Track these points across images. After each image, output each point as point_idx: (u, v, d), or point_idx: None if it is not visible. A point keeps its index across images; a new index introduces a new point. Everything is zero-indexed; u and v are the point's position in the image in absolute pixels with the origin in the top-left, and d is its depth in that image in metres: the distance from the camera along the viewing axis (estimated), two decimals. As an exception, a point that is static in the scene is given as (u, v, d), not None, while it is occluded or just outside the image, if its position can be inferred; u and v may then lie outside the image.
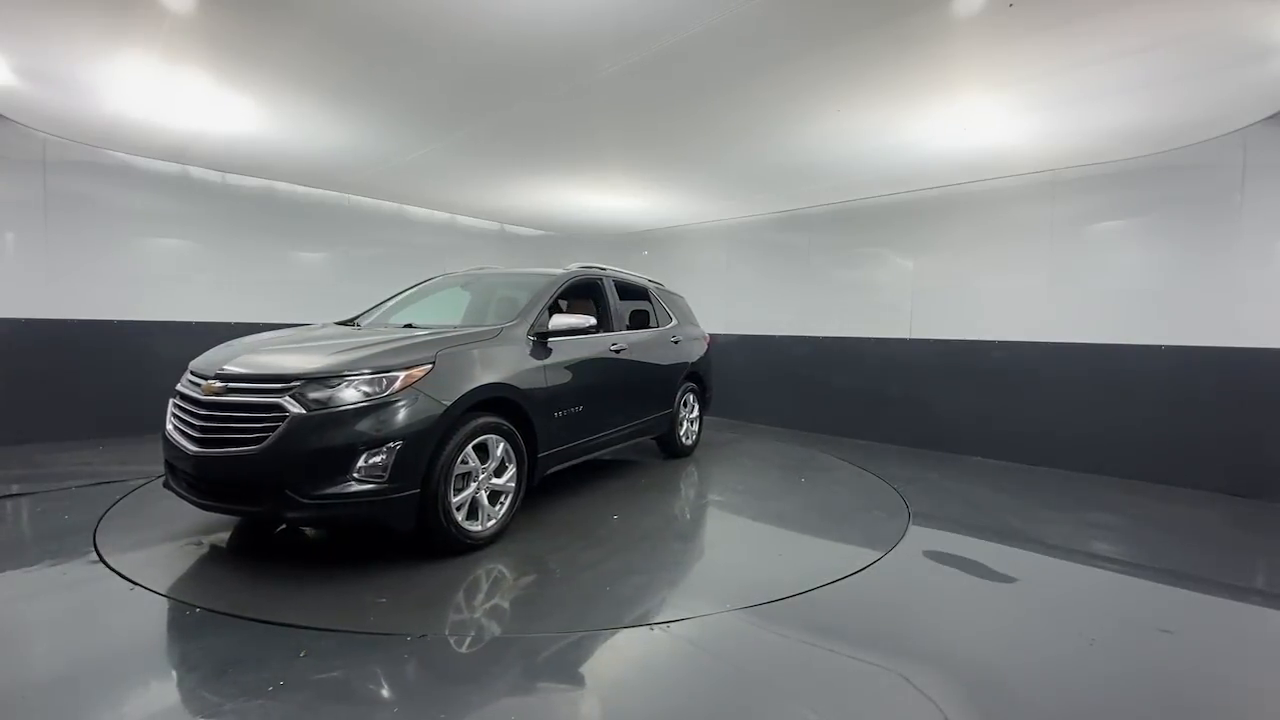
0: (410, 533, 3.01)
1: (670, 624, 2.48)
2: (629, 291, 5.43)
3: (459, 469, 3.10)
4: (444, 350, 3.18)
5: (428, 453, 2.94)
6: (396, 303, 4.67)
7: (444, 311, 4.49)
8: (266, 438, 2.77)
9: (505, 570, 3.04)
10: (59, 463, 4.88)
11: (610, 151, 5.57)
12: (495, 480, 3.33)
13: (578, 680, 2.12)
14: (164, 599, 2.62)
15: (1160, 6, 2.98)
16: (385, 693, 1.99)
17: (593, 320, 4.10)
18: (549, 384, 3.74)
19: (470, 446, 3.15)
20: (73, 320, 5.73)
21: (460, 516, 3.11)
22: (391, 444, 2.82)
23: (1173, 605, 2.89)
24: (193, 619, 2.44)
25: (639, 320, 5.42)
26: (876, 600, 2.81)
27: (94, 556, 3.04)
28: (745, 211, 8.03)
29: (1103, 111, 4.24)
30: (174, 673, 2.09)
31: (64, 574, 2.86)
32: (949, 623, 2.62)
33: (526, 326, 3.77)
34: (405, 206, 8.03)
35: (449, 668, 2.16)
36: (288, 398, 2.82)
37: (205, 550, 3.19)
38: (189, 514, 3.74)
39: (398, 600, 2.65)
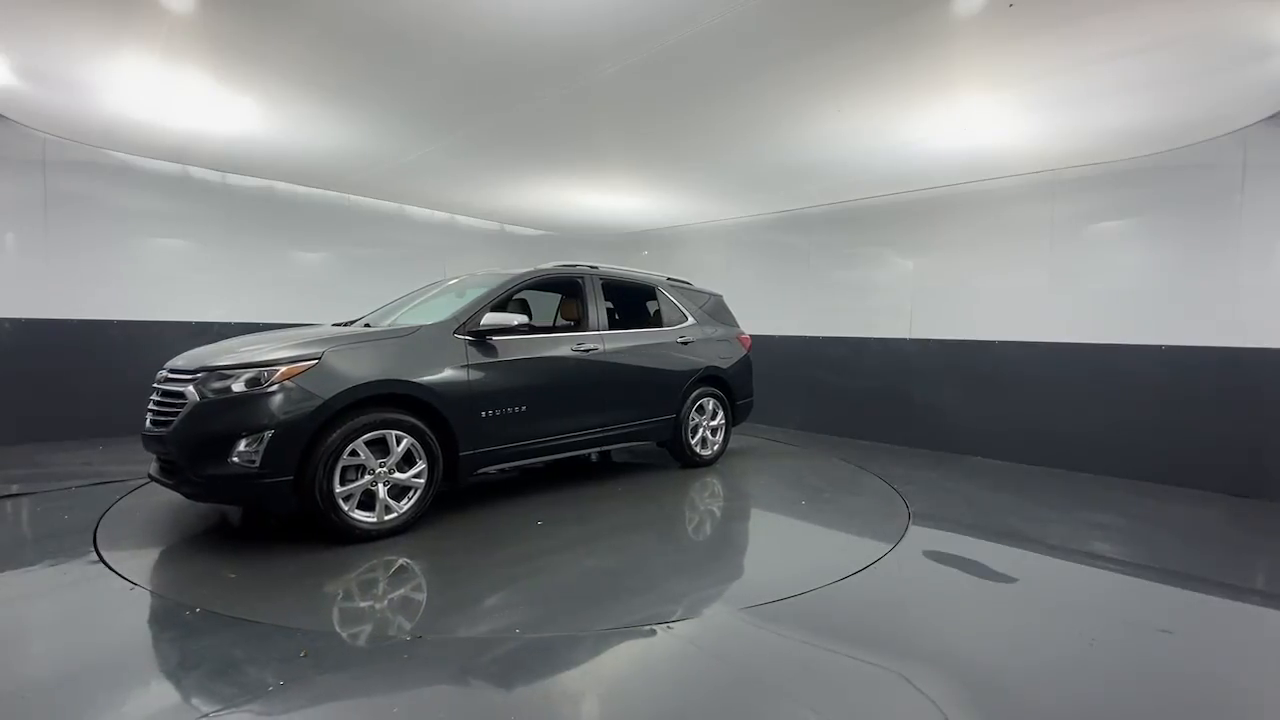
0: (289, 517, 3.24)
1: (670, 624, 2.48)
2: (629, 290, 5.34)
3: (348, 461, 3.22)
4: (334, 348, 3.32)
5: (302, 443, 3.09)
6: (397, 303, 4.68)
7: (445, 312, 4.50)
8: (172, 421, 3.14)
9: (372, 564, 3.05)
10: (59, 463, 4.89)
11: (610, 151, 5.57)
12: (398, 475, 3.39)
13: (576, 680, 2.12)
14: (164, 599, 2.63)
15: (1160, 6, 2.99)
16: (385, 692, 1.99)
17: (523, 319, 3.96)
18: (473, 382, 3.71)
19: (362, 440, 3.25)
20: (73, 320, 5.73)
21: (348, 507, 3.23)
22: (265, 432, 3.02)
23: (1173, 605, 2.88)
24: (192, 619, 2.44)
25: (648, 320, 5.30)
26: (876, 600, 2.80)
27: (94, 556, 3.04)
28: (745, 211, 8.03)
29: (1103, 111, 4.24)
30: (174, 673, 2.09)
31: (64, 574, 2.86)
32: (949, 623, 2.62)
33: (454, 325, 3.77)
34: (405, 206, 8.03)
35: (446, 667, 2.16)
36: (191, 387, 3.16)
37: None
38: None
39: (250, 579, 2.83)
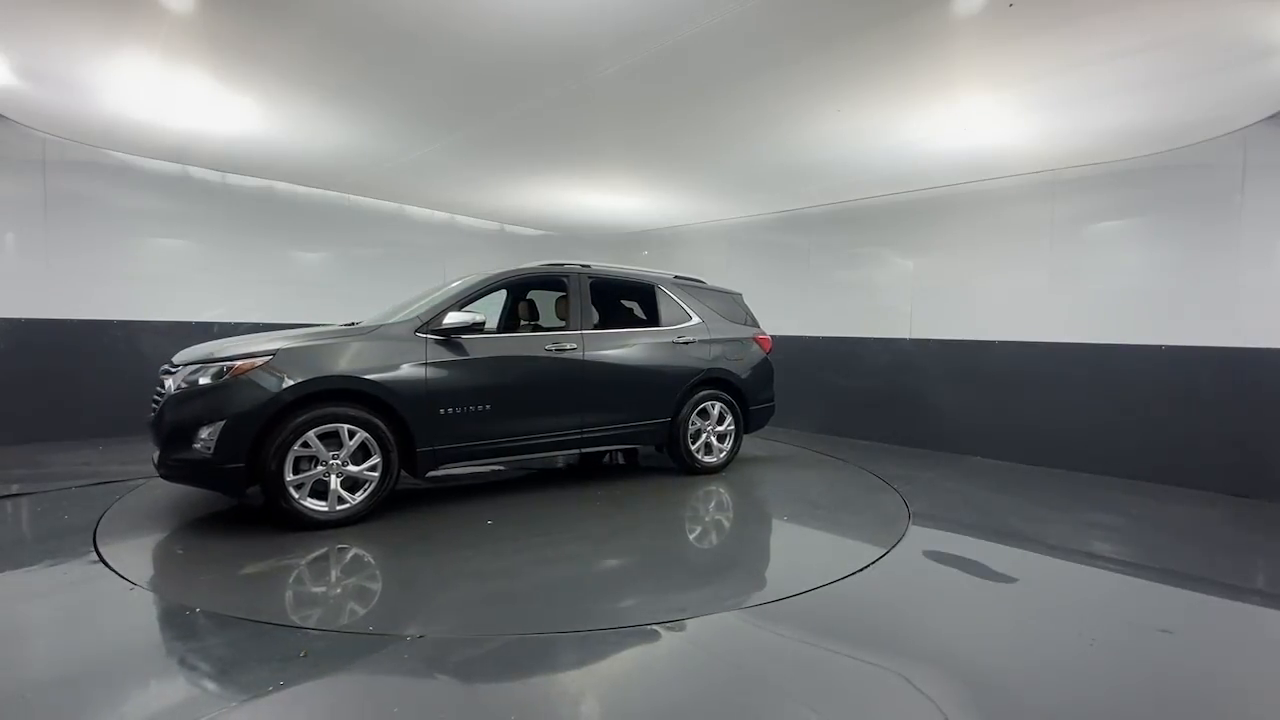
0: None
1: (670, 624, 2.48)
2: (624, 289, 5.25)
3: (300, 452, 3.39)
4: (289, 345, 3.50)
5: (251, 433, 3.29)
6: (406, 303, 4.70)
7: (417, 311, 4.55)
8: (156, 409, 3.47)
9: (324, 551, 3.19)
10: (59, 463, 4.89)
11: (610, 151, 5.57)
12: (351, 467, 3.52)
13: (576, 679, 2.12)
14: (164, 599, 2.62)
15: (1160, 6, 2.98)
16: (385, 692, 1.99)
17: (479, 318, 3.95)
18: (431, 380, 3.78)
19: (313, 433, 3.41)
20: (73, 320, 5.73)
21: (300, 495, 3.40)
22: (219, 422, 3.27)
23: (1173, 605, 2.88)
24: (192, 619, 2.44)
25: (645, 319, 5.18)
26: (876, 600, 2.80)
27: (94, 556, 3.04)
28: (745, 211, 8.03)
29: (1103, 111, 4.24)
30: (174, 673, 2.09)
31: (64, 574, 2.86)
32: (949, 623, 2.62)
33: (416, 324, 3.87)
34: (405, 206, 8.03)
35: (446, 667, 2.16)
36: (170, 380, 3.48)
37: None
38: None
39: (192, 556, 3.13)
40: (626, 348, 4.73)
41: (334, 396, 3.51)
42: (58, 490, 4.13)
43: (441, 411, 3.82)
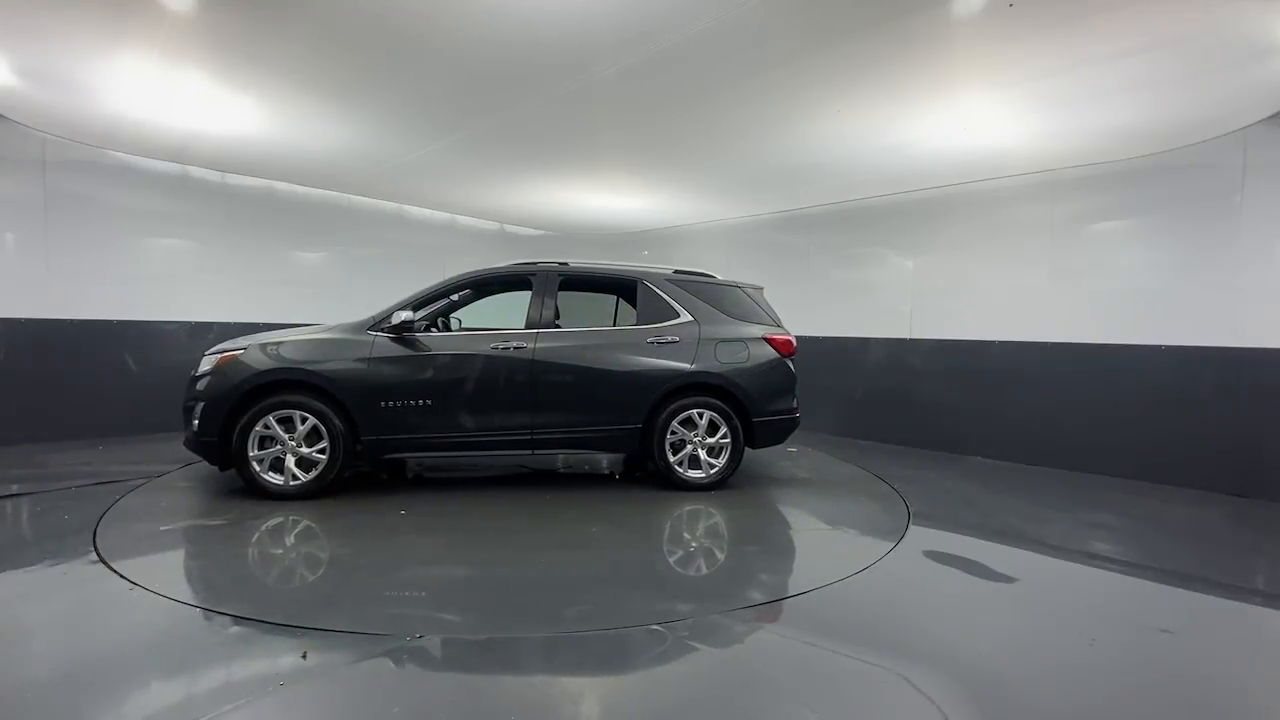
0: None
1: (670, 624, 2.48)
2: (604, 286, 5.15)
3: (262, 432, 3.90)
4: (256, 340, 4.07)
5: (221, 414, 3.87)
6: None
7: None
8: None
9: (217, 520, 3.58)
10: (59, 463, 4.88)
11: (610, 151, 5.57)
12: (304, 449, 3.96)
13: (577, 679, 2.12)
14: (164, 599, 2.62)
15: (1160, 6, 2.99)
16: (385, 692, 1.99)
17: (409, 315, 4.09)
18: (372, 374, 4.05)
19: (271, 416, 3.90)
20: (73, 320, 5.73)
21: (260, 469, 3.91)
22: (202, 403, 3.91)
23: (1173, 605, 2.88)
24: (193, 619, 2.44)
25: (630, 317, 4.91)
26: (876, 600, 2.80)
27: (94, 556, 3.04)
28: (745, 211, 8.03)
29: (1103, 111, 4.24)
30: (174, 673, 2.09)
31: (64, 574, 2.86)
32: (949, 623, 2.62)
33: (369, 323, 4.19)
34: (405, 206, 8.03)
35: (446, 666, 2.16)
36: (196, 367, 4.12)
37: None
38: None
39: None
40: (584, 348, 4.40)
41: (293, 386, 3.96)
42: (58, 490, 4.13)
43: (383, 404, 4.06)
